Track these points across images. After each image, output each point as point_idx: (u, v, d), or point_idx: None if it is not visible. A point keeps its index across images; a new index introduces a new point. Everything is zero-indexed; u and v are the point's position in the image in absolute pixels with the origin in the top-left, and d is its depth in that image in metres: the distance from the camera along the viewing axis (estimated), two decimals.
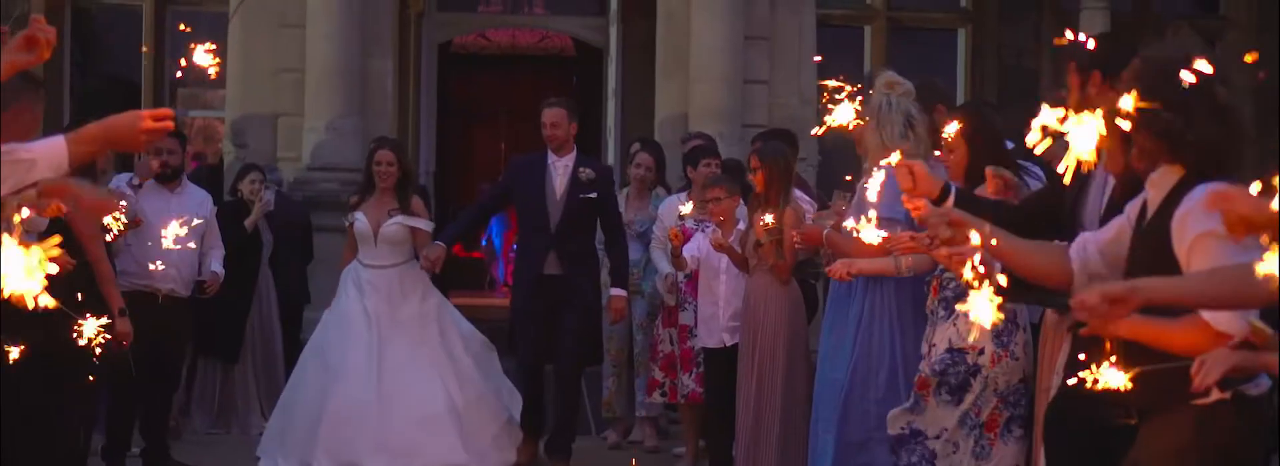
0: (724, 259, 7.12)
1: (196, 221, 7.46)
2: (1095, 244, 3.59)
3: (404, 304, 7.78)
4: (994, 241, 3.54)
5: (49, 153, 3.28)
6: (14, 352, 3.37)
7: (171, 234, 6.56)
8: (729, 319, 7.15)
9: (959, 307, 5.05)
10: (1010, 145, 5.47)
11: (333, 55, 10.78)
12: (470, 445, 7.60)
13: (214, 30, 11.03)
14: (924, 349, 5.28)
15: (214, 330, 8.52)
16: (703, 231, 7.42)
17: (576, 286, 7.72)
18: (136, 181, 7.58)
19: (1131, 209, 3.51)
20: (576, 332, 7.73)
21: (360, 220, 7.79)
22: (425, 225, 7.85)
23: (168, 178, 7.68)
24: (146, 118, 3.29)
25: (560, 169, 7.78)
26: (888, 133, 5.61)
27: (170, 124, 3.30)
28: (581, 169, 7.79)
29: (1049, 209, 4.44)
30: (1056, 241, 3.89)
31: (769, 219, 6.44)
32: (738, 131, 10.69)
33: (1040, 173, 5.34)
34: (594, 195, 7.77)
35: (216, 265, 7.81)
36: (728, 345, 7.11)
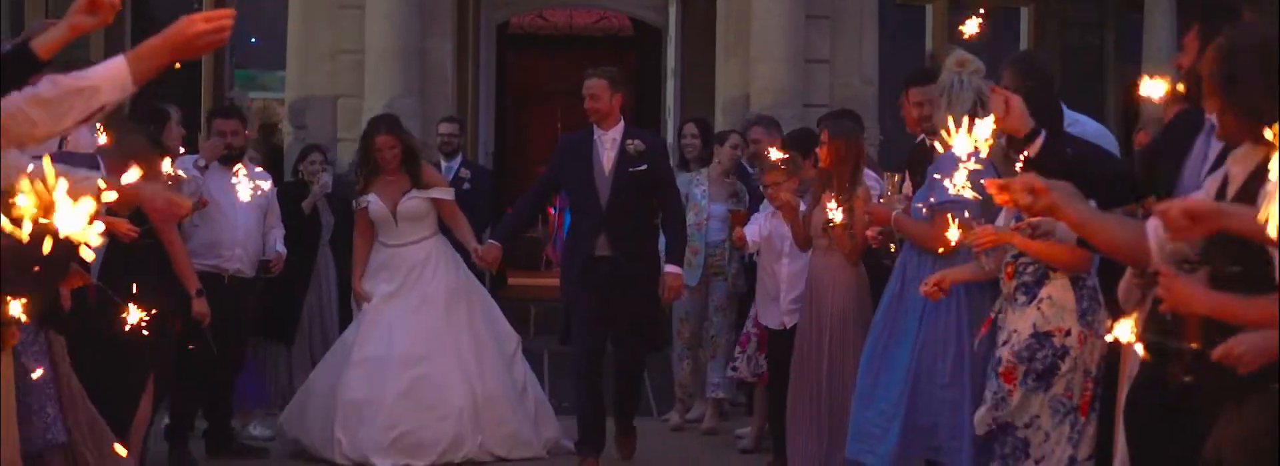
0: (786, 241, 7.04)
1: (264, 184, 7.57)
2: None
3: (434, 278, 7.54)
4: (1073, 211, 3.50)
5: (110, 75, 3.07)
6: (132, 315, 3.29)
7: (244, 189, 6.67)
8: (790, 302, 7.09)
9: (1042, 291, 5.04)
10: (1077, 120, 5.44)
11: (392, 36, 10.80)
12: (488, 439, 7.41)
13: (274, 11, 11.07)
14: (1001, 336, 5.20)
15: (271, 311, 8.54)
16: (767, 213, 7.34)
17: (629, 269, 7.24)
18: (202, 162, 7.62)
19: (1211, 184, 3.45)
20: (633, 319, 7.36)
21: (374, 202, 7.53)
22: (445, 194, 7.58)
23: (230, 159, 7.72)
24: (198, 20, 3.07)
25: (607, 142, 7.29)
26: (957, 112, 5.54)
27: (228, 22, 3.07)
28: (630, 141, 7.27)
29: (1130, 180, 4.41)
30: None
31: (837, 214, 6.31)
32: (799, 111, 10.63)
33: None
34: (644, 167, 7.27)
35: (279, 245, 7.85)
36: (788, 327, 7.06)
